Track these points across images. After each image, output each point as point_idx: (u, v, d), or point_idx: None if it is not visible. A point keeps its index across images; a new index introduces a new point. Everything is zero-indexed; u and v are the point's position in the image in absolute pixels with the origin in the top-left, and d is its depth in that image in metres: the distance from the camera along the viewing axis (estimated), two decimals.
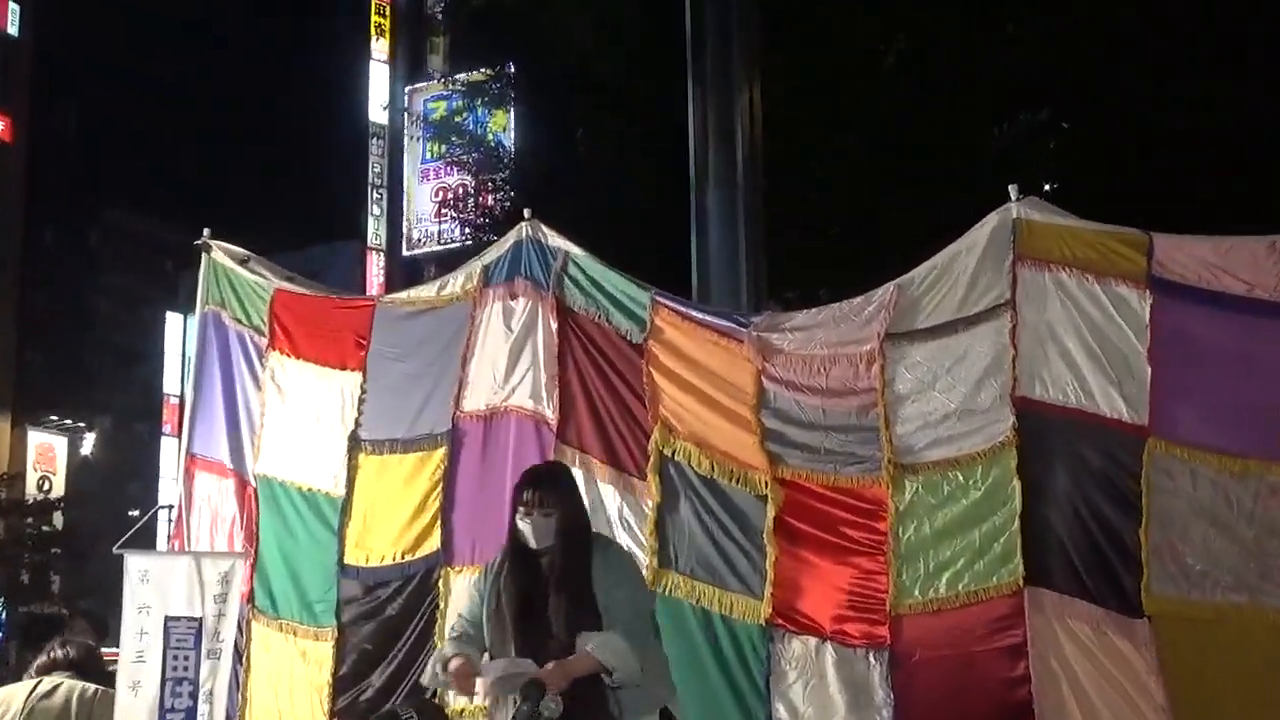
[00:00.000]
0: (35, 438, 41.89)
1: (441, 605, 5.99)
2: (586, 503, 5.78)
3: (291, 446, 6.62)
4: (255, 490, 6.60)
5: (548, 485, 4.58)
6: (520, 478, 4.70)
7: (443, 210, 30.34)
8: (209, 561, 6.14)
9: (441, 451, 6.23)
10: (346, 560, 6.32)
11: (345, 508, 6.39)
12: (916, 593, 5.19)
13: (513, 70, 15.80)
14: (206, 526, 6.65)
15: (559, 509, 4.50)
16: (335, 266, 32.99)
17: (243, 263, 6.97)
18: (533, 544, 4.47)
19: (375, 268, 35.02)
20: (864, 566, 5.30)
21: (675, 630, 5.37)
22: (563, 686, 4.16)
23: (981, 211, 5.46)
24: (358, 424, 6.47)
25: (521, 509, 4.50)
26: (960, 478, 5.23)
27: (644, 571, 5.41)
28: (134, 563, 6.08)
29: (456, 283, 6.51)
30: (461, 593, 5.54)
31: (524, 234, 6.37)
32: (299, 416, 6.65)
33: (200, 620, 5.98)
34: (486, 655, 4.51)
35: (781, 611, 5.39)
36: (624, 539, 5.65)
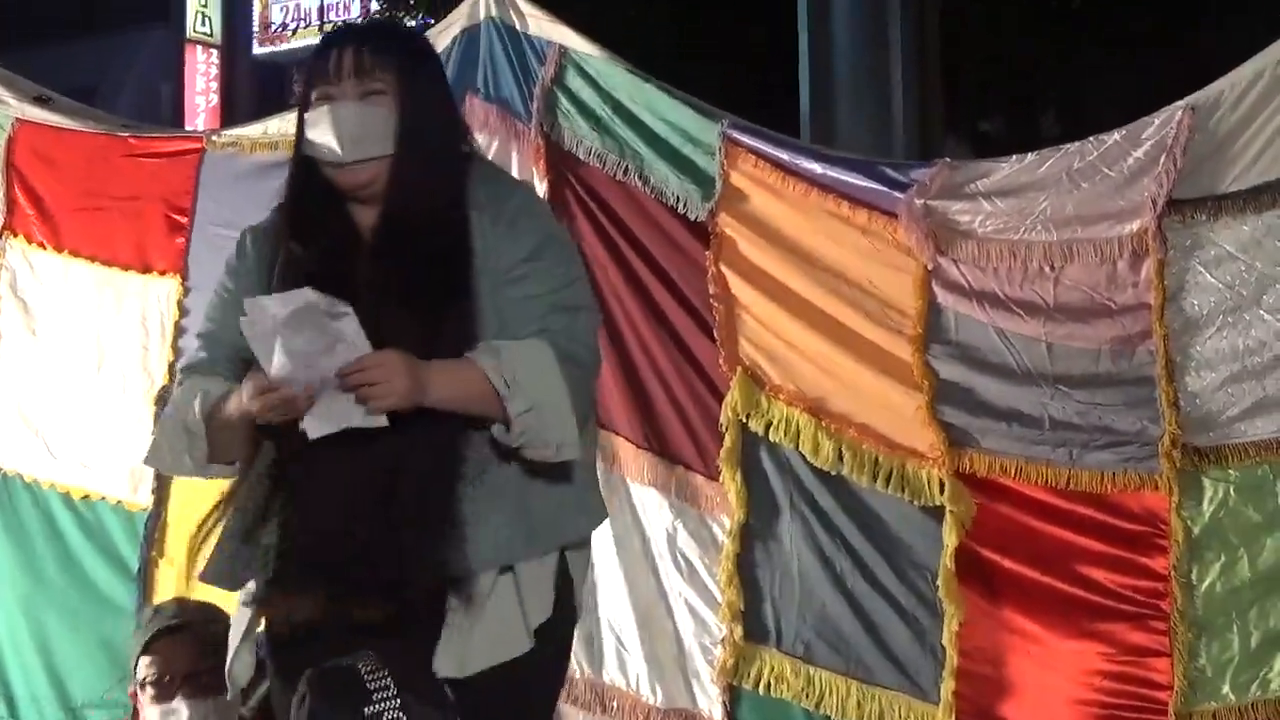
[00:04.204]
0: None
1: None
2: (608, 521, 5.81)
3: (48, 416, 6.72)
4: None
5: (376, 37, 4.12)
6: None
7: None
8: None
9: None
10: None
11: (153, 531, 6.50)
12: (1226, 688, 5.21)
13: None
14: None
15: (399, 87, 4.02)
16: (130, 75, 32.96)
17: None
18: (337, 151, 3.99)
19: (202, 77, 35.09)
20: (1125, 639, 5.34)
21: None
22: (406, 399, 3.79)
23: None
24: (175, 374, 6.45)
25: (317, 88, 4.04)
26: None
27: (719, 650, 5.51)
28: None
29: None
30: None
31: (483, 13, 6.38)
32: (63, 361, 6.72)
33: None
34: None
35: None
36: (681, 587, 5.77)
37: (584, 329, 4.08)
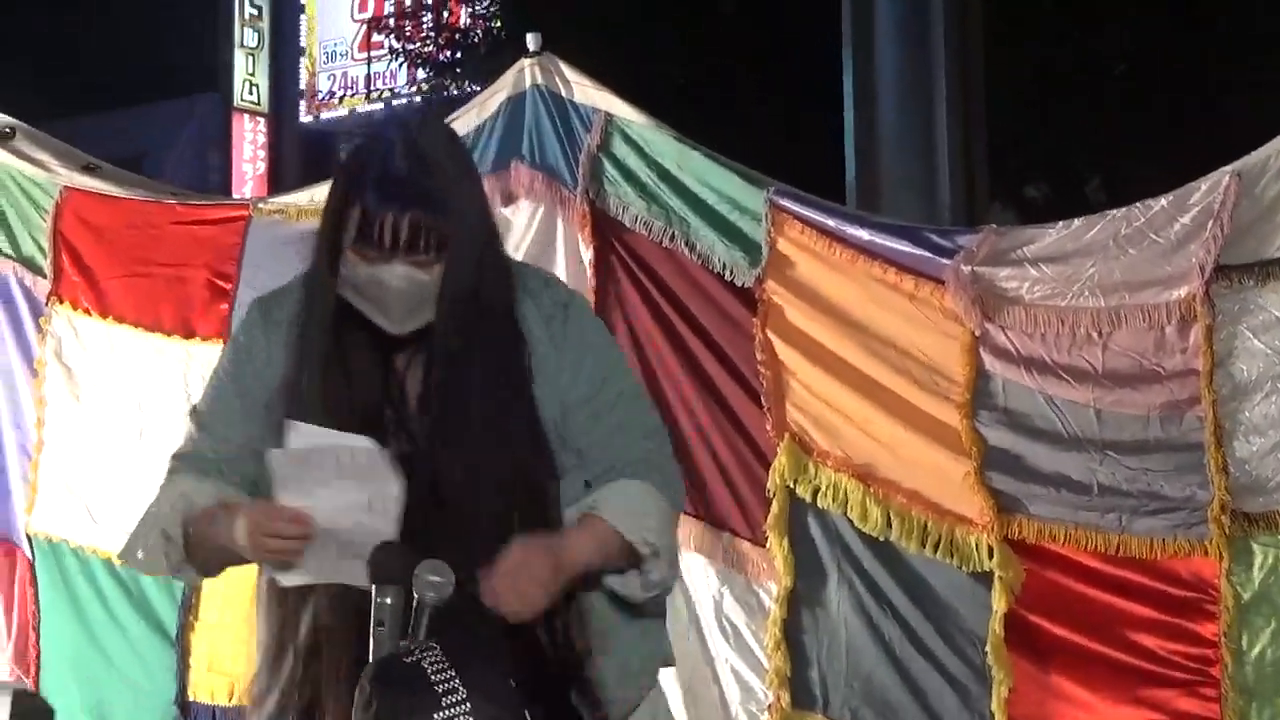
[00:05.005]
0: None
1: None
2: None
3: (93, 482, 6.73)
4: (32, 563, 6.77)
5: (427, 188, 3.60)
6: (353, 154, 3.82)
7: (374, 37, 30.38)
8: None
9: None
10: (192, 694, 6.45)
11: (189, 597, 6.52)
12: None
13: None
14: None
15: (448, 253, 3.61)
16: (178, 143, 33.07)
17: (2, 139, 7.04)
18: (386, 324, 3.67)
19: (249, 145, 35.17)
20: (1175, 706, 5.29)
21: None
22: (552, 596, 3.56)
23: None
24: None
25: (360, 246, 3.59)
26: None
27: (765, 717, 5.49)
28: None
29: None
30: None
31: (528, 81, 6.41)
32: (106, 427, 6.74)
33: None
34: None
35: None
36: (727, 654, 5.74)
37: (657, 427, 3.89)
